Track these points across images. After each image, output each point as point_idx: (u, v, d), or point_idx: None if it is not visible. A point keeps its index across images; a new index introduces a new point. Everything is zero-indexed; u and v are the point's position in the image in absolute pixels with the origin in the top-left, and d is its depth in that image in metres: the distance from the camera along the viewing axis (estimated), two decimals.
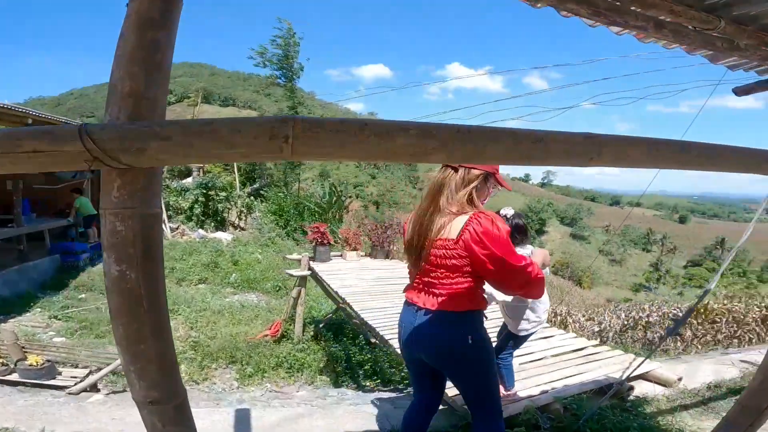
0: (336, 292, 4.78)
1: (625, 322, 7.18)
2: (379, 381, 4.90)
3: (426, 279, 1.55)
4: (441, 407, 2.32)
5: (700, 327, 7.25)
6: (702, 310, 7.86)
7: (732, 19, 1.73)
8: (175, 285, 7.62)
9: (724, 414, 2.30)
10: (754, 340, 6.49)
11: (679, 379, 2.81)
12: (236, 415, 2.85)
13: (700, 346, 6.75)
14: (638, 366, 2.40)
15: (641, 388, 2.75)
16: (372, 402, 3.00)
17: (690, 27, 1.79)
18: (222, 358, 5.05)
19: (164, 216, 10.64)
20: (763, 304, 8.04)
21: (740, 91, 2.86)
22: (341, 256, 6.86)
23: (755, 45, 1.88)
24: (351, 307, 4.20)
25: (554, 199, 78.72)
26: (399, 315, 1.68)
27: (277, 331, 5.69)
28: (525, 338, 2.41)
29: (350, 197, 20.69)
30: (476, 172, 1.53)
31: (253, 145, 0.70)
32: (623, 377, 2.27)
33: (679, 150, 0.93)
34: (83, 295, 6.65)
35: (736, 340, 6.76)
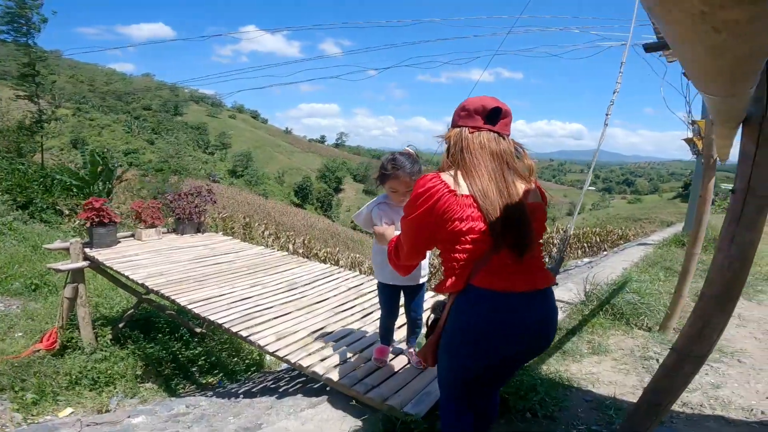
0: (143, 285, 3.65)
1: None
2: (221, 375, 4.16)
3: (529, 255, 1.24)
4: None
5: None
6: None
7: None
8: None
9: (578, 357, 2.59)
10: None
11: None
12: None
13: None
14: None
15: None
16: (253, 406, 2.36)
17: None
18: None
19: None
20: None
21: (649, 48, 3.27)
22: (133, 236, 5.40)
23: None
24: (176, 303, 3.26)
25: (347, 159, 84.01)
26: (486, 310, 1.20)
27: (54, 342, 4.23)
28: None
29: (121, 166, 16.89)
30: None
31: None
32: None
33: None
34: None
35: None
